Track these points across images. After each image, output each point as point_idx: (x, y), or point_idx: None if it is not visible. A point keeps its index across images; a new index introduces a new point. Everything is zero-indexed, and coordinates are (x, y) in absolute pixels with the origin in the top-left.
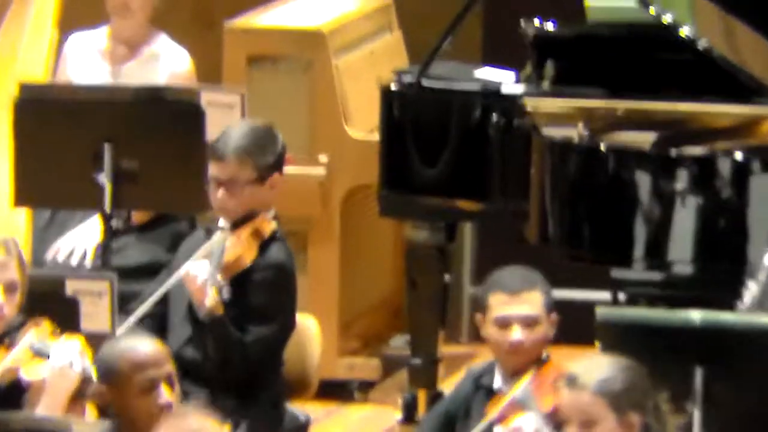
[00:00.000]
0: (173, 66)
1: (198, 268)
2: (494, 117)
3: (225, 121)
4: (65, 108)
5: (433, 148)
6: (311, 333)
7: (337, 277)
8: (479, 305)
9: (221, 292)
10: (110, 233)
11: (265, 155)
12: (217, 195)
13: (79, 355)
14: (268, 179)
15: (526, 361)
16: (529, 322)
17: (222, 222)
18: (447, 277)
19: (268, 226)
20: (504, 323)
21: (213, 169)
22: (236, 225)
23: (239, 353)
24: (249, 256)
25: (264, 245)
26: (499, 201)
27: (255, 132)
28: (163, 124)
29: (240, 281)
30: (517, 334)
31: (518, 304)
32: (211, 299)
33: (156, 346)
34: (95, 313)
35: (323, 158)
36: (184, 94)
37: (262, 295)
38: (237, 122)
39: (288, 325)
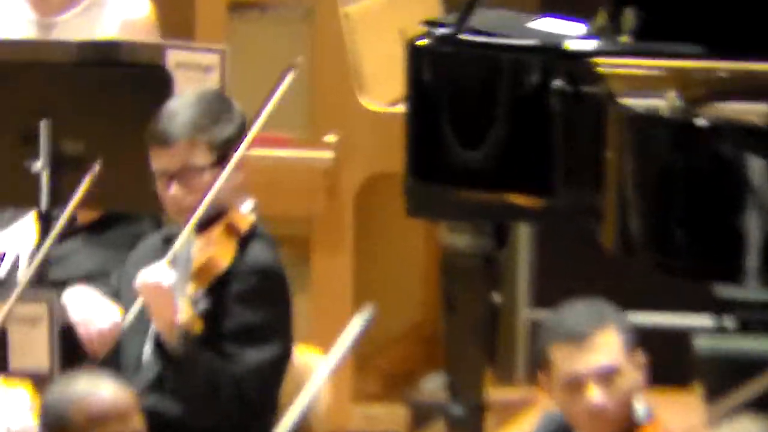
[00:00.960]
0: (126, 13)
1: (159, 275)
2: (557, 82)
3: (200, 88)
4: None
5: (477, 125)
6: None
7: (350, 296)
8: (540, 361)
9: (196, 304)
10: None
11: (221, 127)
12: (170, 192)
13: (29, 414)
14: (230, 159)
15: (611, 427)
16: (607, 376)
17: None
18: (496, 296)
19: (244, 220)
20: (575, 384)
21: (157, 161)
22: (202, 228)
23: (230, 389)
24: (225, 256)
25: (242, 245)
26: (563, 194)
27: (202, 100)
28: (117, 93)
29: (216, 294)
30: (595, 395)
31: (589, 353)
32: (183, 313)
33: (121, 391)
34: (29, 346)
35: (330, 139)
36: (144, 53)
37: (248, 310)
38: (174, 96)
39: (285, 350)
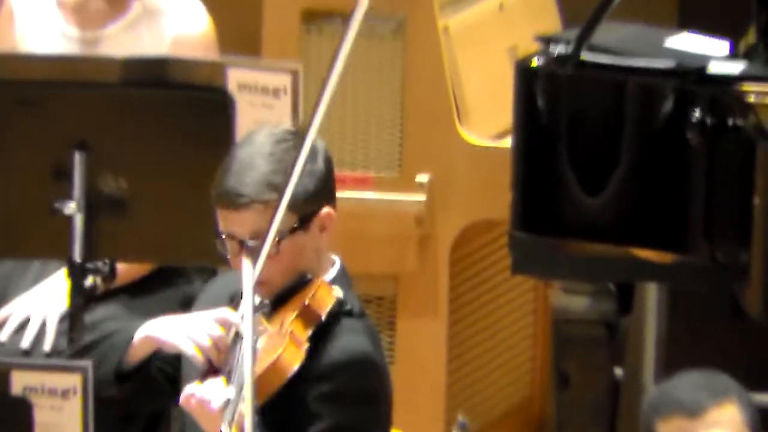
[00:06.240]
0: (179, 27)
1: (208, 391)
2: (696, 113)
3: (266, 116)
4: (13, 95)
5: (599, 163)
6: None
7: (443, 370)
8: None
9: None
10: (82, 297)
11: (302, 182)
12: (242, 262)
13: None
14: (315, 219)
15: None
16: None
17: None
18: (618, 370)
19: (327, 297)
20: None
21: (225, 224)
22: (279, 301)
23: None
24: (294, 358)
25: (323, 329)
26: (701, 248)
27: (277, 145)
28: (167, 121)
29: (293, 397)
30: None
31: (704, 429)
32: None
33: None
34: (59, 425)
35: (422, 178)
36: (201, 72)
37: (338, 409)
38: (247, 137)
39: None
